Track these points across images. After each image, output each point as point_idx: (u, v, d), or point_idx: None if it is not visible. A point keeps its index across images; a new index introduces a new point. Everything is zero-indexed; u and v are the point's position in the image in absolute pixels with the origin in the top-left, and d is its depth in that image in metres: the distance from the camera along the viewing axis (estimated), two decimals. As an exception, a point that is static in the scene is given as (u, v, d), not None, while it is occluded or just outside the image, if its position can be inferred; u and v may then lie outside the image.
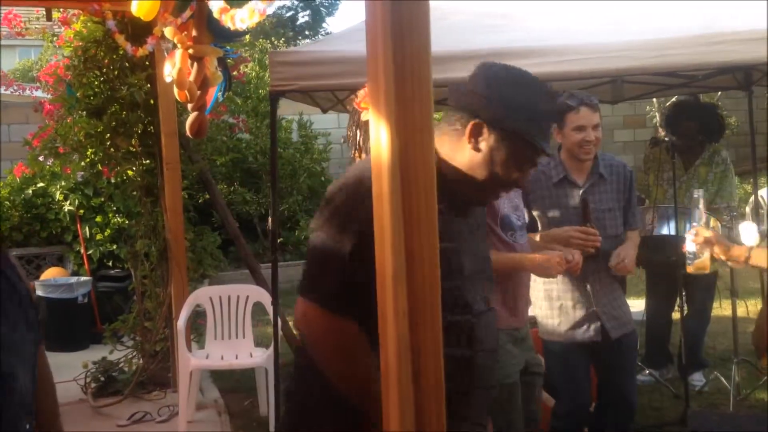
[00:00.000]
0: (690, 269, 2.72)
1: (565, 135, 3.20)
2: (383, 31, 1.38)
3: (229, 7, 2.48)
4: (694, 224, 2.69)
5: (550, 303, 3.27)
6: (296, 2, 19.86)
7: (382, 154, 1.42)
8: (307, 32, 20.21)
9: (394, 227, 1.42)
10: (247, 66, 9.12)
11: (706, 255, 2.64)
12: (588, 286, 3.21)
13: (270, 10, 2.24)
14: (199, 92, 3.16)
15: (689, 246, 2.67)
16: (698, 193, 2.75)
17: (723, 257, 2.61)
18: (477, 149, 1.78)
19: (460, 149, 1.81)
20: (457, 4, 4.61)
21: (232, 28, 2.41)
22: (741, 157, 10.07)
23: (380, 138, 1.42)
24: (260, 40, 10.21)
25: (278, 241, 9.25)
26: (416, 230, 1.42)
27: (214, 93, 3.38)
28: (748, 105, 6.03)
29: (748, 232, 2.99)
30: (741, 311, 5.35)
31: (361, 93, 2.39)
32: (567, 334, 3.24)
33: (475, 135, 1.78)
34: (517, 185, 1.91)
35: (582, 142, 3.16)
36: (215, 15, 2.58)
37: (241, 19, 2.33)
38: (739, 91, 6.22)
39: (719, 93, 9.55)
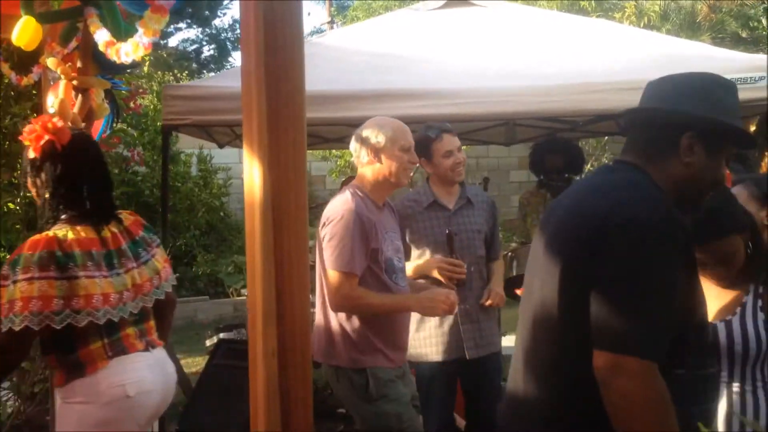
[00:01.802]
0: None
1: (436, 163, 3.35)
2: (257, 73, 1.40)
3: (114, 40, 2.43)
4: None
5: (417, 325, 3.34)
6: (200, 36, 19.67)
7: (254, 193, 1.43)
8: (212, 66, 20.00)
9: (264, 266, 1.42)
10: (144, 98, 8.94)
11: None
12: (459, 306, 3.32)
13: (175, 39, 2.21)
14: (84, 125, 3.06)
15: None
16: None
17: None
18: (691, 161, 1.72)
19: (672, 166, 1.72)
20: (358, 44, 4.71)
21: (117, 61, 2.37)
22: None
23: (253, 177, 1.43)
24: (158, 73, 10.01)
25: (174, 276, 9.01)
26: (287, 270, 1.43)
27: (100, 126, 3.29)
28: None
29: None
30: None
31: (29, 127, 2.42)
32: (433, 356, 3.34)
33: (689, 148, 1.71)
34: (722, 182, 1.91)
35: (454, 165, 3.33)
36: (100, 48, 2.52)
37: (126, 53, 2.28)
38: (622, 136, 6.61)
39: (606, 137, 10.08)
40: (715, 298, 2.10)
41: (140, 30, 2.14)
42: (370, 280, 2.84)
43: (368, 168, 2.93)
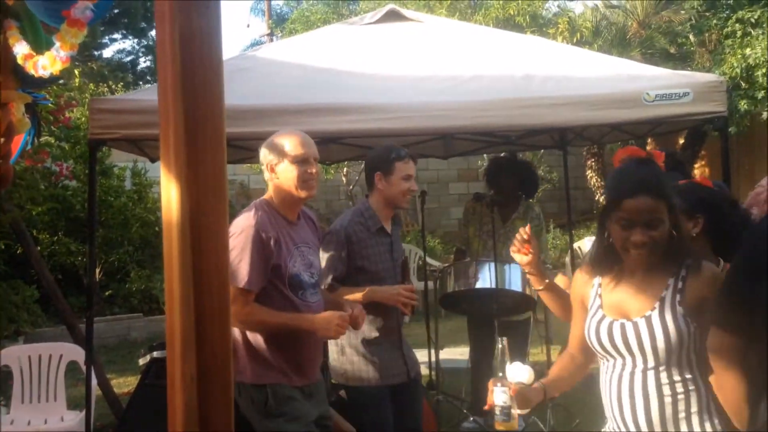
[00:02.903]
0: (499, 426, 2.22)
1: (392, 183, 3.34)
2: (173, 90, 1.36)
3: (33, 53, 2.35)
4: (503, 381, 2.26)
5: (365, 349, 3.36)
6: (137, 47, 19.27)
7: (171, 214, 1.38)
8: (149, 77, 19.61)
9: (183, 289, 1.37)
10: (74, 110, 8.69)
11: (514, 413, 2.21)
12: (400, 331, 3.44)
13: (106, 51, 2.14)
14: (2, 139, 2.94)
15: (498, 398, 2.21)
16: (502, 342, 2.38)
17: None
18: None
19: None
20: (293, 58, 4.67)
21: (35, 75, 2.28)
22: (562, 210, 10.80)
23: (170, 197, 1.39)
24: (91, 85, 9.75)
25: (107, 293, 8.76)
26: (207, 293, 1.38)
27: (21, 141, 3.16)
28: (563, 162, 6.57)
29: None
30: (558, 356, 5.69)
31: None
32: (380, 377, 3.36)
33: None
34: None
35: (407, 191, 3.36)
36: (19, 61, 2.43)
37: (43, 66, 2.21)
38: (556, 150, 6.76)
39: (542, 150, 10.27)
40: (633, 295, 2.12)
41: (57, 43, 2.07)
42: (274, 296, 2.84)
43: (270, 183, 2.95)
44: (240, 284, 2.75)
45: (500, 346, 2.40)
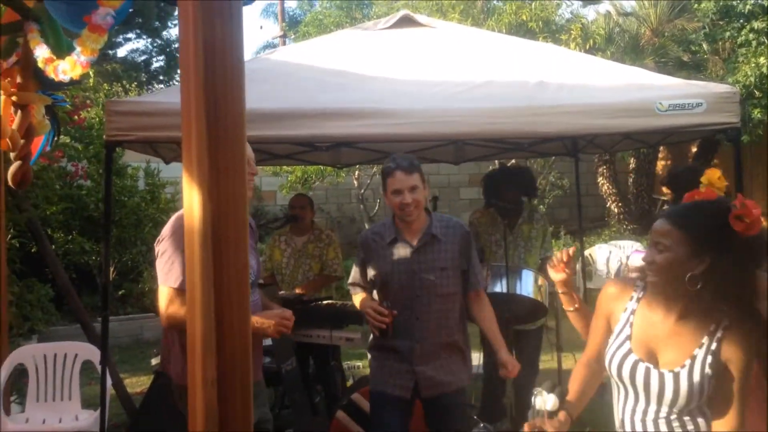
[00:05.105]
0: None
1: (388, 197, 3.34)
2: (196, 99, 1.39)
3: (54, 57, 2.39)
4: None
5: (379, 354, 3.40)
6: (150, 47, 19.37)
7: (194, 221, 1.42)
8: (162, 77, 19.70)
9: (204, 295, 1.41)
10: (89, 111, 8.76)
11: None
12: (416, 345, 3.31)
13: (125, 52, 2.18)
14: (23, 141, 2.99)
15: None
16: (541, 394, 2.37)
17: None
18: None
19: None
20: (307, 62, 4.70)
21: (55, 79, 2.33)
22: (573, 217, 10.80)
23: (192, 205, 1.42)
24: (105, 85, 9.82)
25: (120, 293, 8.81)
26: (227, 298, 1.42)
27: (40, 142, 3.22)
28: (575, 170, 6.58)
29: None
30: (569, 363, 5.68)
31: None
32: (388, 389, 3.34)
33: None
34: None
35: (401, 205, 3.26)
36: (39, 64, 2.48)
37: (63, 71, 2.25)
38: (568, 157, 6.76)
39: (553, 157, 10.26)
40: (665, 341, 2.11)
41: (78, 48, 2.10)
42: None
43: None
44: (174, 284, 2.74)
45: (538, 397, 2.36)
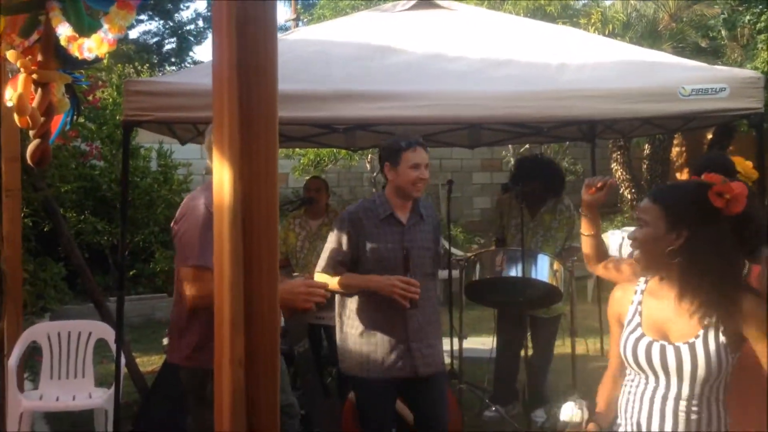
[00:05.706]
0: None
1: (400, 173, 3.30)
2: (229, 78, 1.37)
3: (77, 35, 2.37)
4: None
5: (366, 339, 3.32)
6: (162, 29, 19.33)
7: (223, 198, 1.40)
8: (173, 59, 19.68)
9: (233, 273, 1.40)
10: (103, 91, 8.75)
11: None
12: (407, 324, 3.31)
13: (152, 32, 2.16)
14: (43, 119, 2.97)
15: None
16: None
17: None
18: None
19: None
20: (323, 44, 4.66)
21: (79, 57, 2.30)
22: (586, 202, 10.70)
23: (222, 182, 1.41)
24: (119, 65, 9.79)
25: (131, 273, 8.85)
26: (256, 276, 1.40)
27: (60, 121, 3.20)
28: (591, 155, 6.53)
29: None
30: (582, 349, 5.68)
31: None
32: (379, 372, 3.31)
33: None
34: None
35: (416, 180, 3.28)
36: (62, 43, 2.45)
37: (89, 49, 2.23)
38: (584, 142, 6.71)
39: (567, 143, 10.19)
40: (675, 317, 2.11)
41: (105, 26, 2.08)
42: None
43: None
44: (199, 262, 2.73)
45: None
